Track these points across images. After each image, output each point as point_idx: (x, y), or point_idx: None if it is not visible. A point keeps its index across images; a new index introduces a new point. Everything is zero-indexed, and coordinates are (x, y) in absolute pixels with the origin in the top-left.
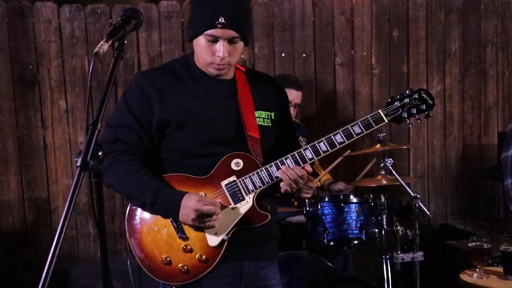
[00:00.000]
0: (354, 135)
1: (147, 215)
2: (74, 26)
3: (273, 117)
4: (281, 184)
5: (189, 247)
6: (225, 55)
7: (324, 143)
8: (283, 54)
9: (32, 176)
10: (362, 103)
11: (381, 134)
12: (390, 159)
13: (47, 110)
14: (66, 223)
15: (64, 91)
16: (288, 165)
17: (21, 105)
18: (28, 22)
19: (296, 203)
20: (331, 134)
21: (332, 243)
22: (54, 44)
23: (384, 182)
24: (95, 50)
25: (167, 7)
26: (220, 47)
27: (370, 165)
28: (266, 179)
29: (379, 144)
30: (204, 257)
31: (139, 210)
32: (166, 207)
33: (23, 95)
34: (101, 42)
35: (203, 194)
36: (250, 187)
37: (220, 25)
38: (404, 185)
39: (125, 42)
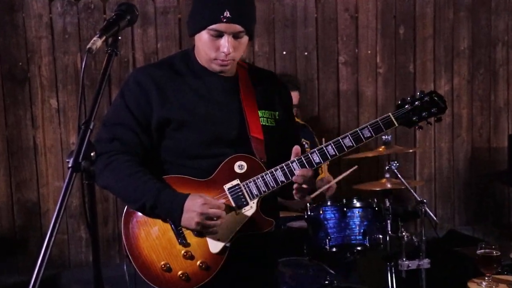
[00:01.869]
0: (364, 139)
1: (144, 218)
2: (66, 22)
3: (277, 117)
4: (294, 193)
5: (190, 253)
6: (230, 50)
7: (332, 146)
8: (284, 52)
9: (21, 178)
10: (366, 103)
11: (386, 136)
12: (395, 162)
13: (38, 109)
14: (57, 227)
15: (56, 89)
16: (294, 169)
17: (10, 104)
18: (18, 17)
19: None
20: (339, 138)
21: (334, 249)
22: (45, 40)
23: (389, 186)
24: (88, 46)
25: (164, 2)
26: (225, 42)
27: (350, 171)
28: (271, 184)
29: (383, 147)
30: (205, 264)
31: (136, 213)
32: (168, 210)
33: (12, 93)
34: (94, 38)
35: None
36: (255, 191)
37: (225, 20)
38: (410, 189)
39: (119, 38)
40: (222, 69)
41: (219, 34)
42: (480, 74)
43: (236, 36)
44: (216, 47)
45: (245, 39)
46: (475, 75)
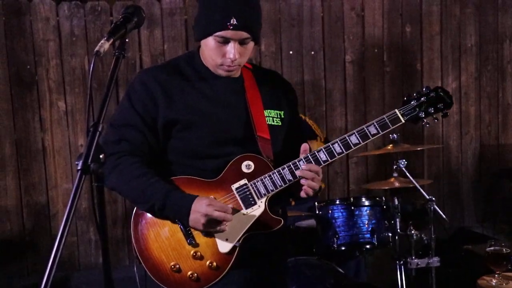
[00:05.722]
0: (370, 136)
1: (153, 219)
2: (73, 24)
3: (282, 116)
4: (303, 187)
5: (199, 253)
6: (236, 57)
7: (339, 144)
8: (290, 52)
9: (30, 181)
10: (374, 102)
11: (393, 135)
12: (404, 160)
13: (46, 112)
14: (67, 229)
15: (64, 92)
16: (301, 168)
17: (18, 107)
18: (26, 20)
19: (293, 203)
20: (345, 135)
21: (342, 248)
22: (52, 43)
23: (397, 184)
24: (96, 49)
25: (170, 4)
26: (231, 49)
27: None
28: (279, 182)
29: (391, 145)
30: (215, 264)
31: (145, 214)
32: (176, 211)
33: (20, 96)
34: (102, 41)
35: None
36: (262, 190)
37: (232, 27)
38: (419, 187)
39: (127, 40)
40: (228, 74)
41: (225, 41)
42: (488, 71)
43: (242, 42)
44: (223, 53)
45: (251, 44)
46: (483, 72)
